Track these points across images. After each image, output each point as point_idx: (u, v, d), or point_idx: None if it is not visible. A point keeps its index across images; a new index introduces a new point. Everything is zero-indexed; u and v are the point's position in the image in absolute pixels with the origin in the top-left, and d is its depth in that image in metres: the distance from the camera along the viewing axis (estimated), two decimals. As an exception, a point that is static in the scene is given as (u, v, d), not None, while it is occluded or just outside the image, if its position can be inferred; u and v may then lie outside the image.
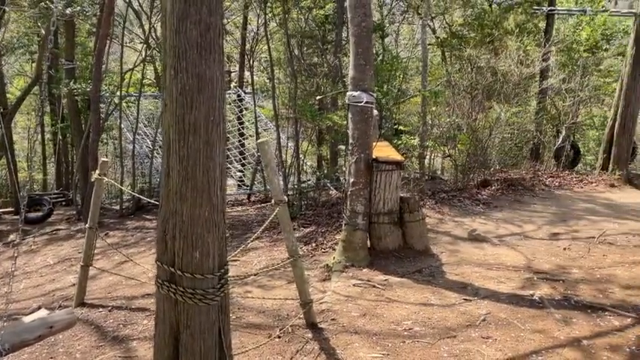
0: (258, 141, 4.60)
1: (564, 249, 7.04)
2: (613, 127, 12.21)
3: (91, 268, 6.04)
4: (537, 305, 5.19)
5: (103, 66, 11.24)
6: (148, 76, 15.87)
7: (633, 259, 6.41)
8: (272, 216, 4.58)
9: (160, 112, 11.37)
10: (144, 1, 13.72)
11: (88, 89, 11.13)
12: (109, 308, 5.84)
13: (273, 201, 4.59)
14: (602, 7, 14.81)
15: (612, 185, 11.21)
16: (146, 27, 11.96)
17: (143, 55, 11.86)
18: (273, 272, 6.61)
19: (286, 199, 4.52)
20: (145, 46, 11.84)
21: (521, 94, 12.92)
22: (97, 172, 5.58)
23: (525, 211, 9.35)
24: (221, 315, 3.26)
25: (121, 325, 5.31)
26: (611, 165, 12.04)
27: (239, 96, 15.43)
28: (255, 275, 6.52)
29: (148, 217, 11.09)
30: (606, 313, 4.93)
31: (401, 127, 12.21)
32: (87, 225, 5.79)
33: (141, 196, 9.33)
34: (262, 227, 4.70)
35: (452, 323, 4.86)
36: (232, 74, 20.88)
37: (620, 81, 12.41)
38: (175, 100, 2.92)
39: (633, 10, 12.44)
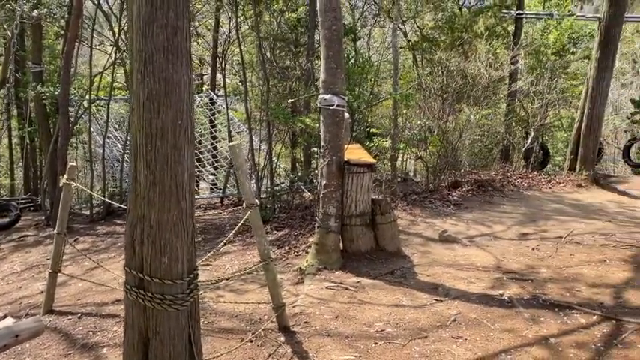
0: (230, 144, 4.59)
1: (533, 249, 7.17)
2: (579, 129, 12.48)
3: (59, 274, 5.93)
4: (507, 305, 5.27)
5: (72, 69, 11.04)
6: (119, 79, 15.67)
7: (599, 258, 6.56)
8: (243, 219, 4.57)
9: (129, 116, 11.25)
10: (114, 3, 13.55)
11: (57, 92, 10.93)
12: (79, 315, 5.75)
13: (244, 205, 4.58)
14: (569, 11, 15.15)
15: (579, 185, 11.46)
16: (116, 29, 11.81)
17: (113, 58, 11.69)
18: (245, 276, 6.59)
19: (257, 203, 4.51)
20: (114, 48, 11.68)
21: (491, 97, 13.13)
22: (65, 177, 5.49)
23: (495, 212, 9.50)
24: (191, 320, 3.24)
25: (91, 332, 5.23)
26: (578, 166, 12.31)
27: (211, 99, 15.34)
28: (227, 279, 6.49)
29: (119, 222, 10.93)
30: (573, 311, 5.03)
31: (373, 130, 12.30)
32: (55, 231, 5.69)
33: (111, 202, 9.20)
34: (233, 231, 4.67)
35: (423, 324, 4.91)
36: (204, 77, 20.76)
37: (585, 83, 12.70)
38: (142, 104, 2.90)
39: (597, 15, 12.75)
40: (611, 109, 19.90)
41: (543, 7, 17.20)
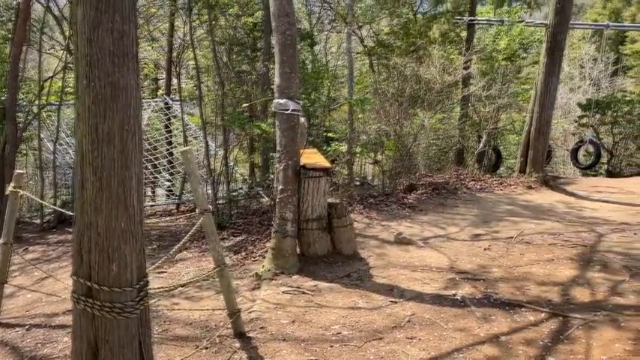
0: (181, 149, 4.55)
1: (485, 249, 7.35)
2: (529, 132, 12.86)
3: (6, 285, 5.73)
4: (459, 304, 5.38)
5: (20, 73, 10.72)
6: (70, 84, 15.29)
7: (548, 257, 6.78)
8: (196, 226, 4.52)
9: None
10: (64, 6, 13.22)
11: (4, 98, 10.59)
12: (27, 327, 5.57)
13: (197, 210, 4.54)
14: (519, 17, 15.61)
15: (530, 187, 11.80)
16: (67, 33, 11.53)
17: (64, 62, 11.40)
18: (201, 283, 6.52)
19: (211, 209, 4.48)
20: (65, 52, 11.40)
21: (445, 102, 13.40)
22: (12, 184, 5.32)
23: (449, 214, 9.69)
24: (141, 328, 3.19)
25: (40, 345, 5.08)
26: (528, 168, 12.68)
27: (167, 104, 15.13)
28: (182, 287, 6.40)
29: (70, 230, 10.64)
30: (523, 309, 5.18)
31: (330, 134, 12.36)
32: (1, 241, 5.50)
33: (62, 210, 8.95)
34: (186, 237, 4.62)
35: (379, 325, 4.96)
36: (160, 82, 20.45)
37: (534, 88, 13.11)
38: (88, 109, 2.85)
39: (545, 22, 13.19)
40: (560, 112, 20.58)
41: (495, 14, 17.67)
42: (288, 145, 6.68)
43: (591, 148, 14.72)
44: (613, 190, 11.64)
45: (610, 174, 15.36)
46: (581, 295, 5.44)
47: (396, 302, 5.52)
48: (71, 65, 11.72)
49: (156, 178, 14.56)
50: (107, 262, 2.96)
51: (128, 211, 2.96)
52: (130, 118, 2.91)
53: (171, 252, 4.59)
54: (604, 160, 16.01)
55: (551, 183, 12.30)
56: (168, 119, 15.29)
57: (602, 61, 23.54)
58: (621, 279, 5.81)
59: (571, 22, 13.29)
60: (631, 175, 14.60)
